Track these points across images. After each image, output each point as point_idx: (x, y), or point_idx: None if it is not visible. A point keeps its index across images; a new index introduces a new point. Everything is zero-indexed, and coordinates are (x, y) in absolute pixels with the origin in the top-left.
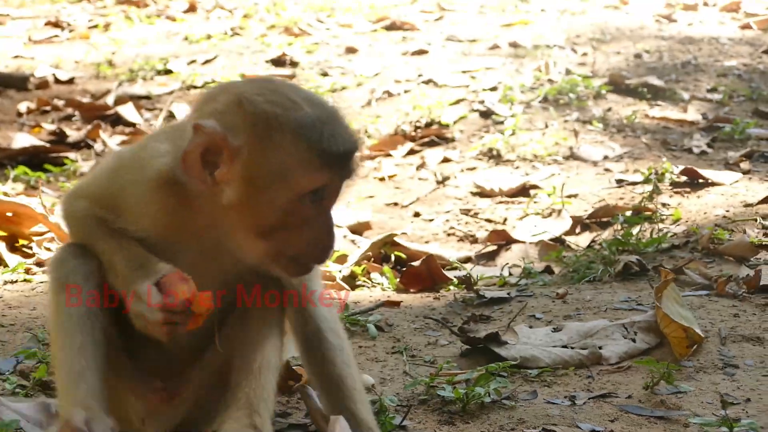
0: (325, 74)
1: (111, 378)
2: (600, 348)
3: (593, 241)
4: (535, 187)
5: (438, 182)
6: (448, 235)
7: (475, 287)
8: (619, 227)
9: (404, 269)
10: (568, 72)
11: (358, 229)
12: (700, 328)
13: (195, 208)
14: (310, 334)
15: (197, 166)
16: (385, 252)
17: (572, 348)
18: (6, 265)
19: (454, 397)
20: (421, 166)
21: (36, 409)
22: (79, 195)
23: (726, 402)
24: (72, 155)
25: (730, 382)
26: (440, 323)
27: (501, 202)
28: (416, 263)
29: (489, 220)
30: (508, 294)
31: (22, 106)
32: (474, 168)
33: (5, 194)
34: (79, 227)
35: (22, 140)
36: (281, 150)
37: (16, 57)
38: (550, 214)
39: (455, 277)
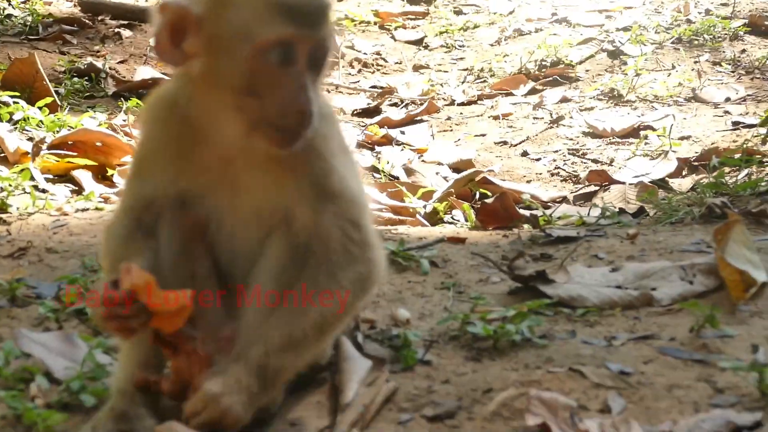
0: (459, 12)
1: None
2: (653, 289)
3: (696, 183)
4: (648, 128)
5: (551, 122)
6: (552, 174)
7: (543, 226)
8: (716, 169)
9: (479, 206)
10: (707, 12)
11: (460, 167)
12: None
13: (195, 123)
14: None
15: (167, 45)
16: (472, 190)
17: (625, 289)
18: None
19: (484, 334)
20: (539, 105)
21: (59, 340)
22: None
23: (757, 346)
24: None
25: None
26: (487, 260)
27: (611, 143)
28: (490, 200)
29: (596, 161)
30: (578, 233)
31: (153, 41)
32: (591, 108)
33: (109, 125)
34: (105, 244)
35: (143, 72)
36: (240, 6)
37: None
38: (658, 156)
39: (530, 215)
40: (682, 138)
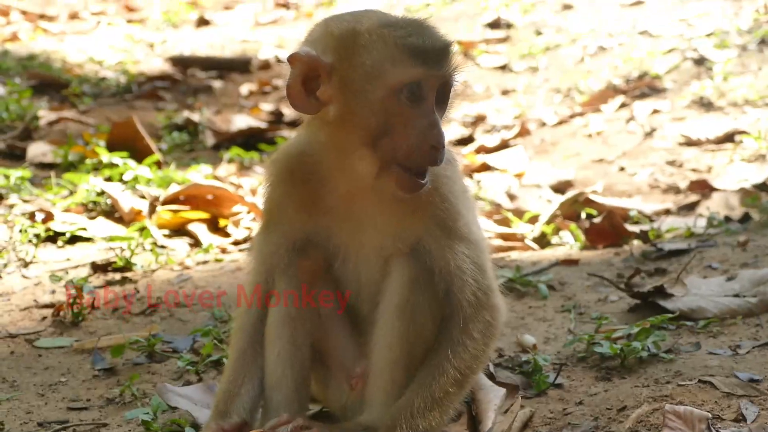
0: (539, 33)
1: (320, 369)
2: None
3: None
4: (743, 132)
5: (645, 134)
6: (652, 187)
7: (653, 240)
8: None
9: (587, 227)
10: None
11: (560, 188)
12: None
13: (322, 169)
14: None
15: (301, 95)
16: (577, 210)
17: (743, 297)
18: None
19: (611, 353)
20: (630, 119)
21: (202, 392)
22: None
23: None
24: (286, 133)
25: None
26: (605, 280)
27: (707, 151)
28: (598, 219)
29: (694, 170)
30: (689, 245)
31: (244, 89)
32: (683, 117)
33: (214, 177)
34: (233, 337)
35: (239, 122)
36: (370, 51)
37: (243, 41)
38: (755, 160)
39: (640, 230)
40: None
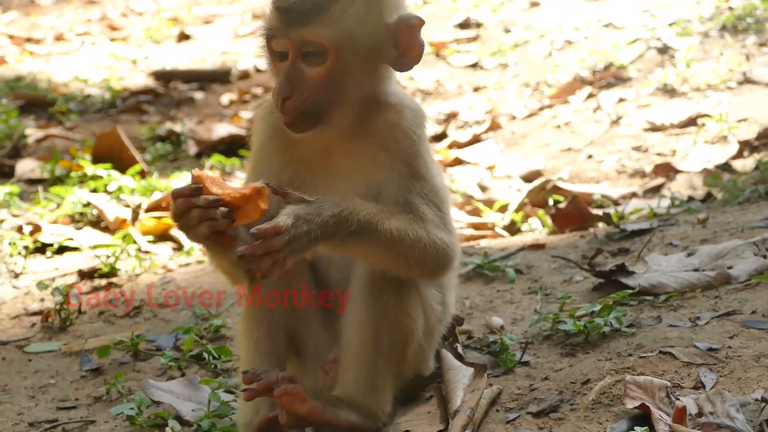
0: (508, 31)
1: (295, 359)
2: (729, 268)
3: (758, 162)
4: (705, 116)
5: (612, 123)
6: (619, 173)
7: (616, 222)
8: None
9: (553, 212)
10: None
11: (531, 178)
12: None
13: None
14: None
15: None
16: (545, 197)
17: (702, 271)
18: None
19: (575, 330)
20: (597, 108)
21: (184, 386)
22: None
23: None
24: None
25: None
26: (569, 261)
27: (672, 135)
28: (563, 204)
29: (659, 154)
30: (650, 225)
31: (225, 99)
32: (648, 104)
33: None
34: None
35: (220, 130)
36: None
37: (223, 53)
38: (718, 141)
39: (603, 213)
40: (739, 121)
